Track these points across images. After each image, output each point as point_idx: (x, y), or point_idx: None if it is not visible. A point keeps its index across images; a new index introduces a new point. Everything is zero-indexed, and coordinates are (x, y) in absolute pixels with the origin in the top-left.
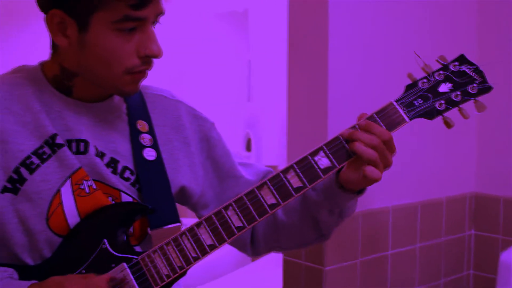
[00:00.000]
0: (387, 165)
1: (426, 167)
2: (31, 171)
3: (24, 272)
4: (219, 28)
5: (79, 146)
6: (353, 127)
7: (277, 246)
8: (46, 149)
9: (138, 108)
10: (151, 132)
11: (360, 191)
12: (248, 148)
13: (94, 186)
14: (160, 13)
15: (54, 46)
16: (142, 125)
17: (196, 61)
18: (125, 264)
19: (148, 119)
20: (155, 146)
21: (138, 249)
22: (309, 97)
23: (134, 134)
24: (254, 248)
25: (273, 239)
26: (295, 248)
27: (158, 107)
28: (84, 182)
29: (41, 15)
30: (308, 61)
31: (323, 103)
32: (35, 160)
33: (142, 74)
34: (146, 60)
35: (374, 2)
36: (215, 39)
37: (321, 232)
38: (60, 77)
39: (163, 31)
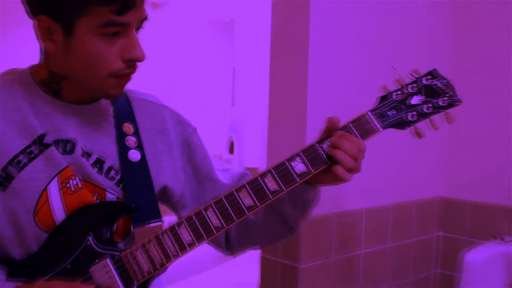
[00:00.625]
0: (358, 171)
1: (397, 172)
2: (19, 169)
3: (12, 266)
4: (206, 36)
5: (66, 146)
6: (328, 136)
7: (250, 243)
8: (34, 149)
9: (124, 112)
10: (136, 134)
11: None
12: (231, 150)
13: (80, 185)
14: (144, 18)
15: (41, 52)
16: (127, 127)
17: (184, 67)
18: (108, 260)
19: (133, 122)
20: (139, 147)
21: (121, 245)
22: (289, 103)
23: (120, 136)
24: (228, 246)
25: (245, 237)
26: (268, 244)
27: (144, 111)
28: (71, 180)
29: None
30: (289, 69)
31: (302, 109)
32: (22, 159)
33: (126, 77)
34: (130, 64)
35: (353, 16)
36: (202, 47)
37: (289, 225)
38: (48, 81)
39: (152, 38)
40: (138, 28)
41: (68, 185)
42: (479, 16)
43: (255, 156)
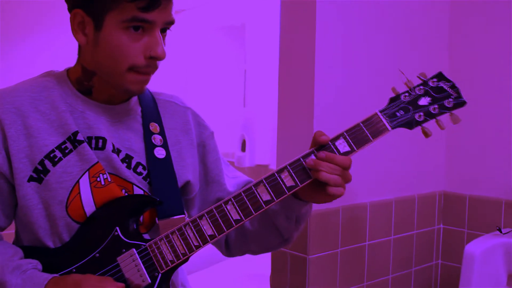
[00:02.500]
0: (348, 181)
1: (401, 168)
2: (54, 163)
3: (47, 254)
4: (219, 41)
5: (98, 143)
6: (311, 153)
7: (247, 250)
8: (68, 145)
9: (151, 112)
10: (161, 133)
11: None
12: (243, 148)
13: (109, 179)
14: (169, 21)
15: (79, 49)
16: (154, 126)
17: (198, 70)
18: (134, 250)
19: (159, 122)
20: (165, 146)
21: (146, 236)
22: (297, 103)
23: (147, 135)
24: (228, 250)
25: (243, 244)
26: (264, 252)
27: (169, 112)
28: (101, 175)
29: (42, 28)
30: (297, 71)
31: (309, 108)
32: (58, 154)
33: (145, 75)
34: (151, 62)
35: (357, 19)
36: (215, 50)
37: (283, 237)
38: (82, 78)
39: (169, 43)
40: (163, 30)
41: (98, 179)
42: (477, 16)
43: (265, 154)
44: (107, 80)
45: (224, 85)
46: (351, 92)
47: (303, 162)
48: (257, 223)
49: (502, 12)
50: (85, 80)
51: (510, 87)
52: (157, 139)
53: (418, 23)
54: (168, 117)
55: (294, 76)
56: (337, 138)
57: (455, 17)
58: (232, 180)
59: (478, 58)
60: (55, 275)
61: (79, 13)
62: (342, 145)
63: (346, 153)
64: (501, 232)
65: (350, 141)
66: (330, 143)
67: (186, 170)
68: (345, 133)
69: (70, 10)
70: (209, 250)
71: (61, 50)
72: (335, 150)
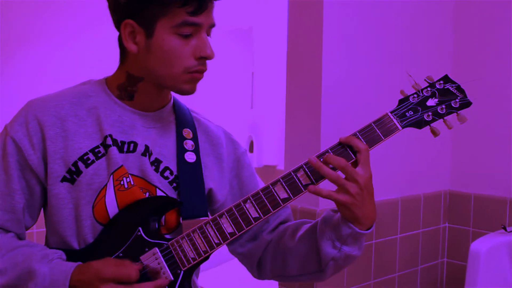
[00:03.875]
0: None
1: (406, 168)
2: (87, 165)
3: (71, 255)
4: (227, 44)
5: (130, 146)
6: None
7: (280, 275)
8: (101, 149)
9: (186, 120)
10: (194, 139)
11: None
12: (251, 149)
13: (132, 182)
14: (212, 24)
15: (122, 57)
16: (187, 132)
17: (207, 72)
18: (156, 248)
19: (193, 129)
20: (196, 151)
21: (168, 236)
22: (304, 105)
23: (180, 139)
24: (259, 270)
25: (279, 265)
26: (296, 279)
27: (202, 127)
28: (124, 178)
29: (41, 40)
30: (305, 73)
31: (316, 110)
32: (91, 156)
33: (198, 73)
34: (201, 62)
35: (365, 22)
36: (223, 54)
37: (320, 266)
38: (126, 84)
39: None
40: (207, 33)
41: (121, 183)
42: (481, 16)
43: (273, 154)
44: (159, 83)
45: (232, 87)
46: (358, 94)
47: (319, 162)
48: (301, 242)
49: (505, 12)
50: (129, 86)
51: None
52: (188, 144)
53: (423, 23)
54: (201, 131)
55: (302, 78)
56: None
57: (460, 15)
58: None
59: (483, 57)
60: (79, 263)
61: (129, 24)
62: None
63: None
64: (506, 230)
65: (363, 140)
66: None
67: (210, 179)
68: (357, 133)
69: (119, 21)
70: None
71: (67, 57)
72: (348, 148)
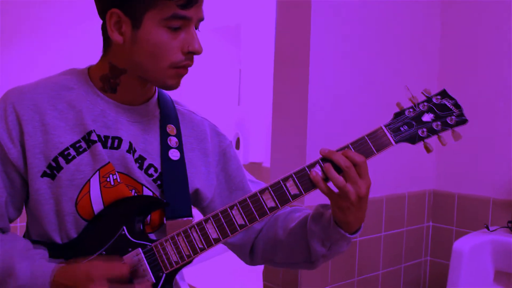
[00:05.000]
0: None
1: (392, 166)
2: (68, 161)
3: (54, 249)
4: (214, 41)
5: (114, 142)
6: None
7: (271, 260)
8: (83, 144)
9: (170, 114)
10: (178, 136)
11: (354, 233)
12: (237, 146)
13: (119, 180)
14: (201, 18)
15: (106, 47)
16: (171, 128)
17: (194, 69)
18: (140, 249)
19: (177, 125)
20: (180, 148)
21: (152, 236)
22: (291, 102)
23: (163, 136)
24: (252, 258)
25: (269, 253)
26: (286, 266)
27: (187, 120)
28: (111, 175)
29: (32, 33)
30: (291, 72)
31: (303, 108)
32: (72, 152)
33: (184, 69)
34: (189, 57)
35: (353, 21)
36: (210, 51)
37: (310, 258)
38: (108, 76)
39: None
40: (196, 26)
41: (108, 180)
42: (467, 19)
43: (259, 151)
44: (143, 76)
45: (219, 84)
46: (344, 92)
47: (308, 171)
48: (292, 236)
49: (491, 18)
50: (112, 78)
51: (498, 90)
52: (172, 141)
53: (410, 27)
54: (185, 124)
55: (289, 76)
56: (342, 149)
57: (447, 20)
58: (254, 184)
59: (469, 60)
60: (62, 264)
61: (115, 13)
62: None
63: None
64: (488, 229)
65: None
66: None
67: (196, 178)
68: (350, 145)
69: (104, 10)
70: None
71: (60, 51)
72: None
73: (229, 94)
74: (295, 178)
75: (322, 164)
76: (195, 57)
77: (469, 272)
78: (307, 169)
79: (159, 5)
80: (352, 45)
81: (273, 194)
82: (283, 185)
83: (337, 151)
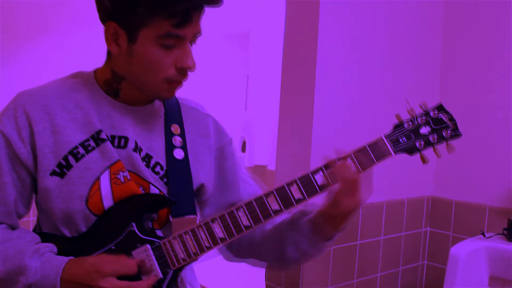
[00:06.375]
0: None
1: (392, 173)
2: (77, 159)
3: (64, 242)
4: (224, 47)
5: (121, 141)
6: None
7: (244, 258)
8: (91, 142)
9: (174, 114)
10: (182, 135)
11: (328, 239)
12: (243, 149)
13: (129, 177)
14: (198, 33)
15: (108, 53)
16: (175, 128)
17: (204, 74)
18: (148, 246)
19: (181, 124)
20: (184, 147)
21: (159, 233)
22: (297, 107)
23: (168, 135)
24: (228, 254)
25: (244, 251)
26: (256, 265)
27: (191, 116)
28: (121, 173)
29: (44, 35)
30: (298, 78)
31: (309, 113)
32: (81, 150)
33: (177, 83)
34: (182, 72)
35: (359, 28)
36: (219, 56)
37: (282, 261)
38: (111, 81)
39: None
40: (191, 41)
41: (118, 177)
42: (470, 18)
43: (264, 155)
44: (138, 86)
45: (227, 89)
46: (350, 96)
47: (312, 177)
48: (268, 239)
49: (492, 23)
50: (114, 83)
51: (496, 99)
52: (177, 140)
53: (412, 33)
54: (189, 121)
55: (295, 82)
56: (344, 158)
57: (449, 24)
58: (248, 187)
59: (468, 68)
60: (71, 257)
61: (112, 25)
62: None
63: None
64: (484, 236)
65: (357, 162)
66: (337, 162)
67: (201, 173)
68: (352, 154)
69: (103, 21)
70: None
71: (65, 55)
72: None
73: (237, 99)
74: (299, 183)
75: (325, 171)
76: (204, 63)
77: (464, 276)
78: (311, 175)
79: (154, 24)
80: (359, 50)
81: (277, 197)
82: (287, 189)
83: (339, 159)
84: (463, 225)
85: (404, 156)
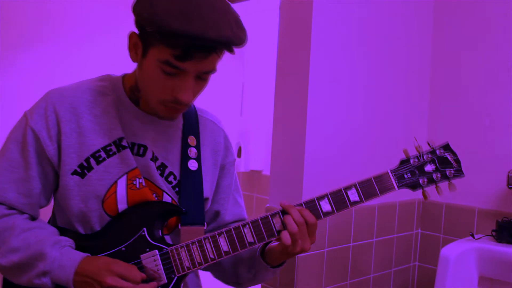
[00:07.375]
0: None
1: None
2: (98, 162)
3: (77, 238)
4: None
5: (140, 150)
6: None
7: (211, 272)
8: (113, 147)
9: (192, 126)
10: (197, 147)
11: (278, 266)
12: (239, 154)
13: (144, 184)
14: (205, 71)
15: None
16: (192, 140)
17: None
18: (157, 251)
19: (197, 136)
20: (198, 159)
21: (168, 239)
22: (291, 114)
23: (184, 146)
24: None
25: (209, 268)
26: (221, 281)
27: (208, 129)
28: (137, 179)
29: (43, 41)
30: (292, 86)
31: (302, 120)
32: (102, 154)
33: (174, 109)
34: (177, 101)
35: (351, 38)
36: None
37: (238, 280)
38: (134, 88)
39: None
40: (199, 77)
41: (134, 183)
42: (458, 30)
43: (259, 160)
44: (144, 99)
45: (223, 96)
46: (342, 105)
47: (317, 203)
48: (225, 260)
49: (483, 28)
50: (136, 91)
51: (487, 103)
52: (192, 152)
53: (402, 39)
54: (206, 134)
55: (289, 89)
56: (349, 187)
57: (438, 29)
58: (235, 208)
59: (457, 75)
60: (88, 254)
61: (134, 35)
62: (353, 195)
63: (355, 203)
64: (473, 237)
65: (361, 192)
66: (343, 190)
67: (207, 187)
68: (357, 184)
69: (134, 29)
70: None
71: (61, 62)
72: (346, 198)
73: (233, 106)
74: (303, 205)
75: (281, 217)
76: None
77: (455, 277)
78: (316, 201)
79: (158, 47)
80: (350, 58)
81: (282, 218)
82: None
83: (345, 188)
84: (453, 227)
85: (395, 160)
